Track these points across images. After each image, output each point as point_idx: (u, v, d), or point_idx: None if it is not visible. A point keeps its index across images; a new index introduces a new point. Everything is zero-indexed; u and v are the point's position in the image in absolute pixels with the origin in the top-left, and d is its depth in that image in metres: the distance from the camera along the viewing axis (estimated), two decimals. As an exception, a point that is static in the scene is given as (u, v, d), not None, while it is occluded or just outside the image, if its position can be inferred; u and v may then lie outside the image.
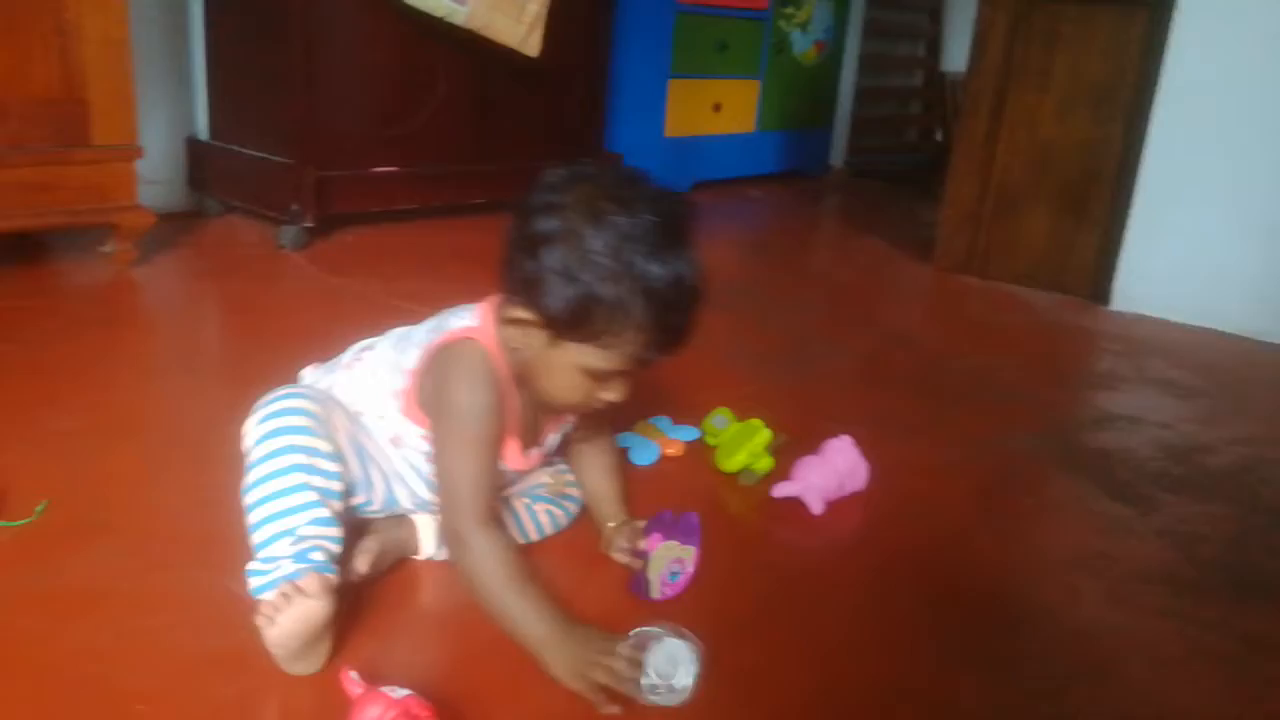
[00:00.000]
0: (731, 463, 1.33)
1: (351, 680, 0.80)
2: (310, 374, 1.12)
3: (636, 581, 1.02)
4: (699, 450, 1.41)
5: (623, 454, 1.37)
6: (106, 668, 0.86)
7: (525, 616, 0.90)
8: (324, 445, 0.94)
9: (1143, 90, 2.35)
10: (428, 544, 1.05)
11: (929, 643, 1.02)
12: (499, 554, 0.92)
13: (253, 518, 0.90)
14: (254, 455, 0.92)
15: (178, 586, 0.98)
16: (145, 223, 2.07)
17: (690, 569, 1.04)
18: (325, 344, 1.13)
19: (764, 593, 1.08)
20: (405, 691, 0.79)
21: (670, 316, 0.91)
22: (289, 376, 1.13)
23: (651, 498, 1.27)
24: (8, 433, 1.30)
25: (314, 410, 0.95)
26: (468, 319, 1.00)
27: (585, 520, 1.17)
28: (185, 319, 1.97)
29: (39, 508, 1.10)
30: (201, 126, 2.66)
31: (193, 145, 2.65)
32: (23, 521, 1.07)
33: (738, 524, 1.26)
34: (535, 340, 0.94)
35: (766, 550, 1.19)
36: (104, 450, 1.28)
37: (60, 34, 1.89)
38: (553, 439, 1.11)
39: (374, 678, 0.81)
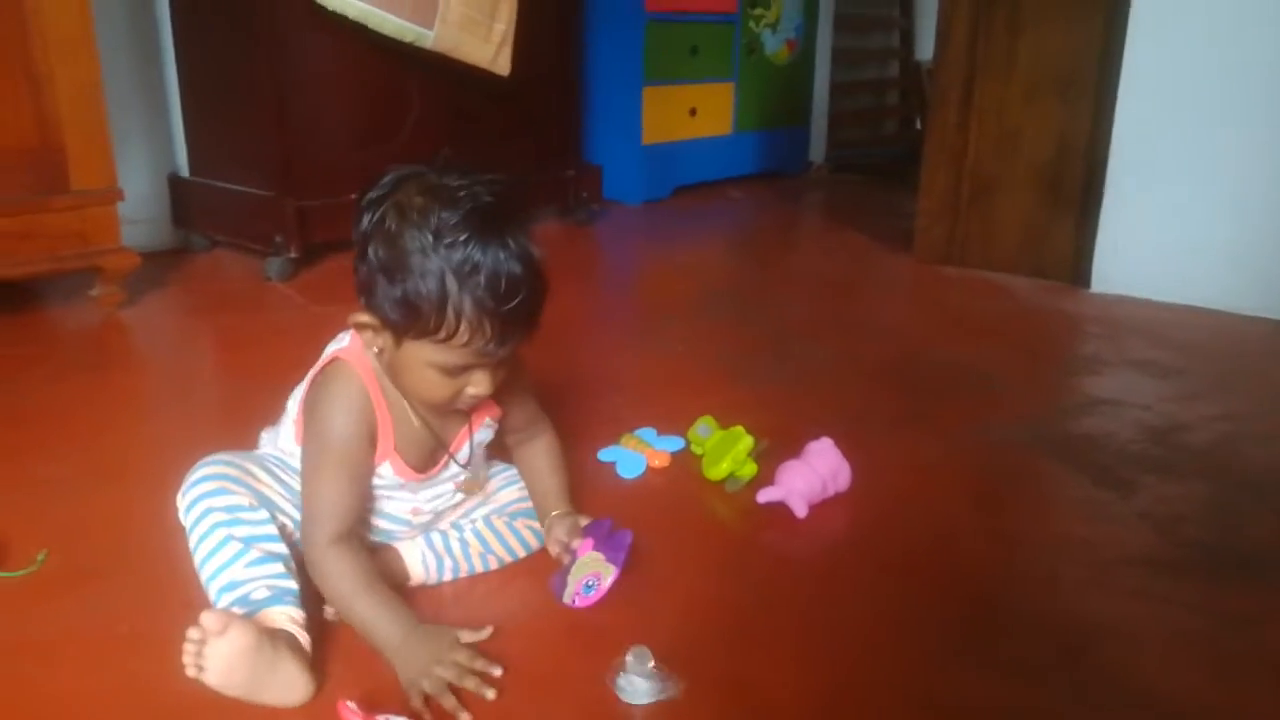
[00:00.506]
0: (716, 471, 1.36)
1: (349, 710, 0.82)
2: (265, 435, 1.15)
3: (557, 579, 1.04)
4: (685, 460, 1.43)
5: (609, 467, 1.39)
6: (105, 712, 0.88)
7: (373, 623, 0.93)
8: (242, 500, 0.99)
9: (1107, 70, 2.38)
10: (415, 568, 1.07)
11: (917, 639, 1.03)
12: (347, 568, 0.94)
13: (203, 583, 0.96)
14: (187, 528, 0.99)
15: (176, 628, 0.99)
16: (130, 264, 2.09)
17: (605, 587, 1.03)
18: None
19: (752, 600, 1.10)
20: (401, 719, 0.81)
21: (498, 303, 0.89)
22: (280, 408, 1.15)
23: (639, 510, 1.29)
24: (1, 482, 1.32)
25: (225, 472, 1.01)
26: (343, 341, 1.02)
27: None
28: (175, 358, 1.99)
29: (39, 557, 1.12)
30: (182, 163, 2.69)
31: (174, 182, 2.67)
32: (24, 571, 1.10)
33: (725, 531, 1.28)
34: (385, 342, 0.95)
35: (754, 557, 1.21)
36: (98, 494, 1.30)
37: (32, 83, 1.91)
38: (471, 447, 1.09)
39: (372, 706, 0.83)
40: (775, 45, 3.98)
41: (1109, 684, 0.96)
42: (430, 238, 0.88)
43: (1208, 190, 2.29)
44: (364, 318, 0.95)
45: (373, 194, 0.93)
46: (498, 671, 0.92)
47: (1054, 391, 1.86)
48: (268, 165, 2.42)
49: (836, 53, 4.51)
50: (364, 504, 1.03)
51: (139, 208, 2.40)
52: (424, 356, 0.93)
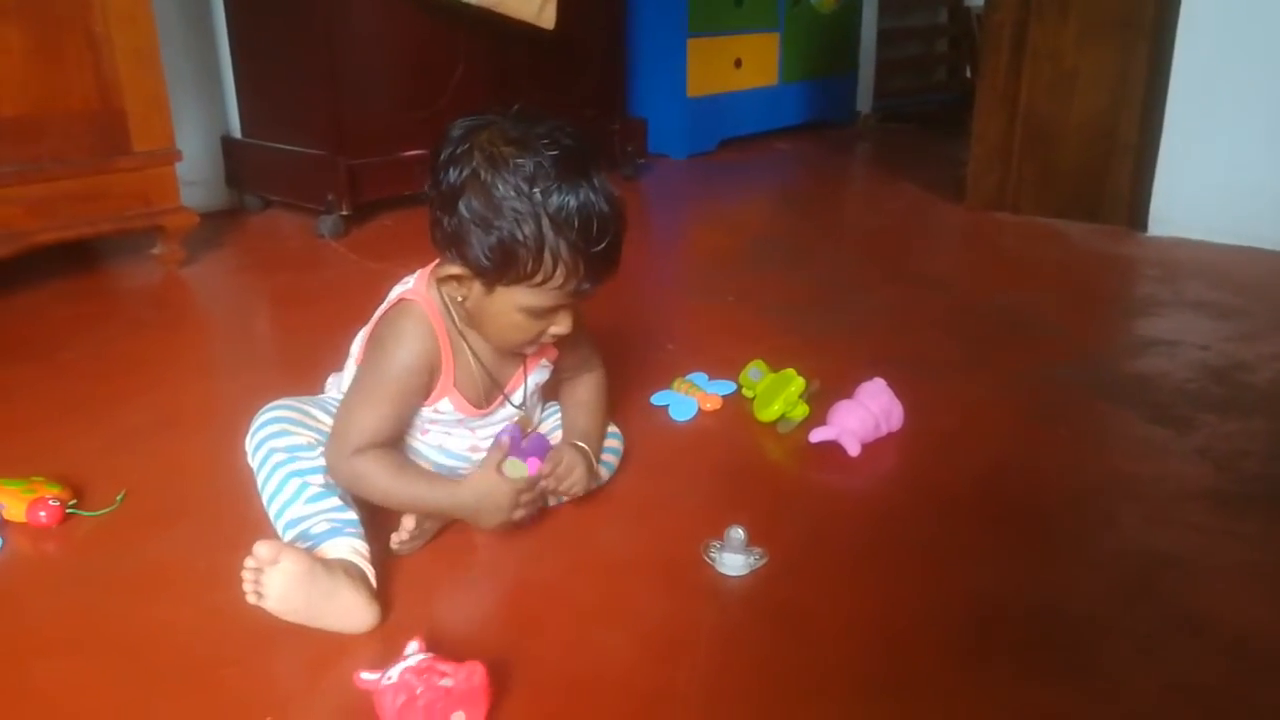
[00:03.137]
0: (768, 412, 1.37)
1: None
2: (331, 380, 1.19)
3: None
4: (736, 403, 1.45)
5: (661, 411, 1.41)
6: (192, 638, 0.93)
7: (424, 496, 1.01)
8: (301, 439, 1.03)
9: (1166, 10, 2.31)
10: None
11: (970, 575, 1.04)
12: (376, 465, 1.00)
13: (271, 520, 1.01)
14: (254, 469, 1.03)
15: (250, 562, 1.04)
16: (190, 223, 2.14)
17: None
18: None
19: (806, 535, 1.12)
20: (419, 657, 0.80)
21: (590, 244, 0.93)
22: (338, 361, 1.19)
23: (692, 452, 1.31)
24: (83, 431, 1.37)
25: (286, 415, 1.05)
26: (408, 284, 1.05)
27: (629, 473, 1.22)
28: (236, 313, 2.04)
29: (118, 497, 1.17)
30: (234, 125, 2.73)
31: (228, 144, 2.72)
32: (105, 511, 1.15)
33: (778, 471, 1.30)
34: (473, 292, 0.98)
35: (807, 495, 1.22)
36: (172, 442, 1.35)
37: (92, 48, 1.95)
38: (526, 390, 1.12)
39: (427, 637, 0.86)
40: (821, -7, 3.91)
41: (1170, 614, 0.96)
42: (525, 185, 0.91)
43: (1267, 130, 2.23)
44: (453, 269, 0.97)
45: (450, 149, 0.95)
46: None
47: (1110, 333, 1.84)
48: (319, 125, 2.45)
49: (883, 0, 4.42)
50: (400, 438, 1.07)
51: (193, 169, 2.44)
52: (516, 301, 0.96)
